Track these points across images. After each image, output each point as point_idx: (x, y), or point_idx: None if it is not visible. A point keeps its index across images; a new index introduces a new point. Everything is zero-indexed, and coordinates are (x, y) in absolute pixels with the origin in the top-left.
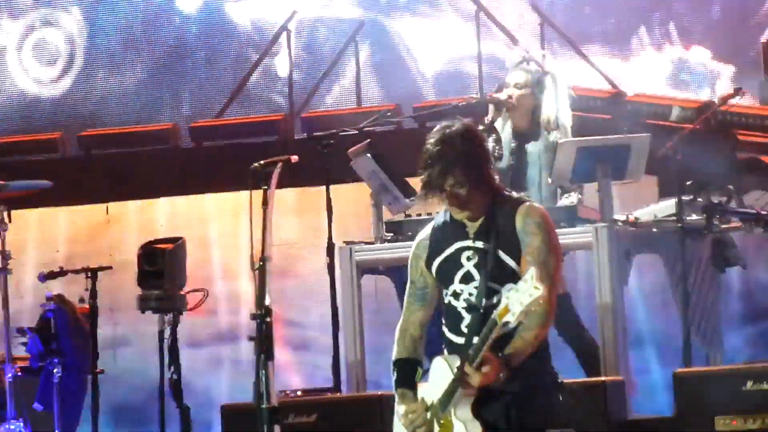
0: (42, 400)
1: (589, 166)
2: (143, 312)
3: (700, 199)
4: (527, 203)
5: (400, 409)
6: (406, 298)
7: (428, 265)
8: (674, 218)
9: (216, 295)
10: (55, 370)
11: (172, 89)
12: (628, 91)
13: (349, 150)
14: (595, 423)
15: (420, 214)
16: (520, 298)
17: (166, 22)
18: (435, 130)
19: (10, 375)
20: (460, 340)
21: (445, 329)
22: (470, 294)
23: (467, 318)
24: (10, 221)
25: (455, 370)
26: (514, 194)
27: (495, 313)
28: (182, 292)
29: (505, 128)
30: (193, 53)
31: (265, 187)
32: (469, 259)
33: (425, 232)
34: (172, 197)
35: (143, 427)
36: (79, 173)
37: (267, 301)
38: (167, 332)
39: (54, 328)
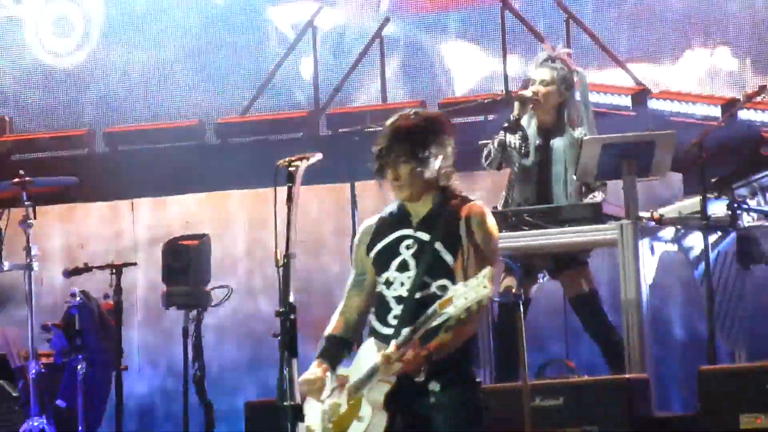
0: (65, 396)
1: (614, 163)
2: (168, 308)
3: (724, 196)
4: (473, 202)
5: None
6: (348, 282)
7: (368, 250)
8: (699, 215)
9: (240, 291)
10: (79, 367)
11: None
12: (653, 89)
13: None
14: (620, 420)
15: None
16: (467, 293)
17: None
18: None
19: (34, 371)
20: (387, 331)
21: (371, 317)
22: (402, 284)
23: (396, 309)
24: (35, 218)
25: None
26: (464, 193)
27: (437, 303)
28: (207, 289)
29: (530, 125)
30: (219, 49)
31: (290, 184)
32: (408, 247)
33: (372, 219)
34: (197, 193)
35: (168, 424)
36: (105, 169)
37: (291, 298)
38: (192, 328)
39: (78, 324)
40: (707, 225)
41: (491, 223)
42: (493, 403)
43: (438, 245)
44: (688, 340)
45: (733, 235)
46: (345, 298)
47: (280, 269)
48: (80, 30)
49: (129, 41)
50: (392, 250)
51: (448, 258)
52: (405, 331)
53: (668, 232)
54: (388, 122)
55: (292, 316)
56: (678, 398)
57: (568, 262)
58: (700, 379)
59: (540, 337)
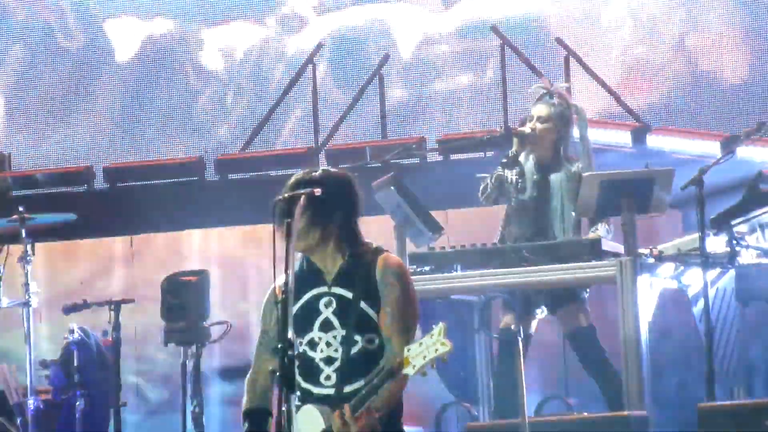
0: None
1: (613, 199)
2: (166, 344)
3: (723, 233)
4: (386, 253)
5: None
6: (257, 347)
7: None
8: (698, 252)
9: (241, 327)
10: (77, 403)
11: (199, 121)
12: (651, 124)
13: (374, 183)
14: None
15: (444, 247)
16: (424, 352)
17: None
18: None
19: (32, 408)
20: (323, 391)
21: (299, 379)
22: (329, 344)
23: (327, 369)
24: (33, 254)
25: (328, 419)
26: (373, 244)
27: (391, 365)
28: (206, 325)
29: (528, 160)
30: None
31: (289, 219)
32: (326, 305)
33: (280, 280)
34: (196, 229)
35: None
36: (104, 205)
37: (289, 334)
38: (190, 364)
39: (77, 360)
40: (706, 262)
41: (406, 271)
42: None
43: (362, 304)
44: (687, 377)
45: (732, 271)
46: (255, 361)
47: (278, 305)
48: None
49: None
50: (311, 310)
51: (372, 314)
52: (347, 388)
53: (667, 268)
54: (293, 177)
55: (290, 352)
56: None
57: (565, 298)
58: (699, 416)
59: (539, 373)
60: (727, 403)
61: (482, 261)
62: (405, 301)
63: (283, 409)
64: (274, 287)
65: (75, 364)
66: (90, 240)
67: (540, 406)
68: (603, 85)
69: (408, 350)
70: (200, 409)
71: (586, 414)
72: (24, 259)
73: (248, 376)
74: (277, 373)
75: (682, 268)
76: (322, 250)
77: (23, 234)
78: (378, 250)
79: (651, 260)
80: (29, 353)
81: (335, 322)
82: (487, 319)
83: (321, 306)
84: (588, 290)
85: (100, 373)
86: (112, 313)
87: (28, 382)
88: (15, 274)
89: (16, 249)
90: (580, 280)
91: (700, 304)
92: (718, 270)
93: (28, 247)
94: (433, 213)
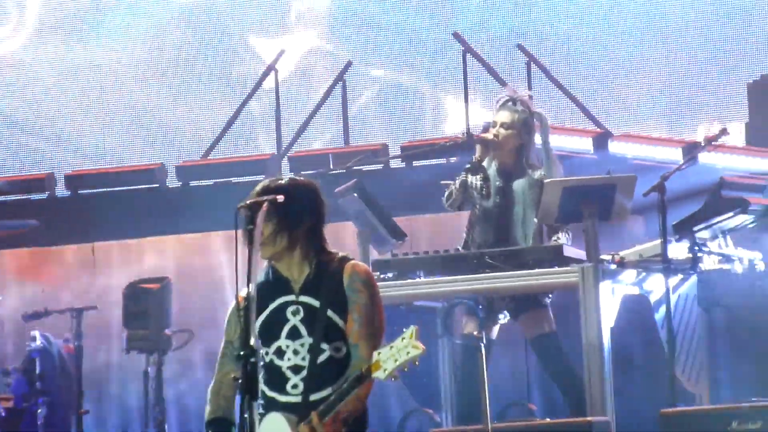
0: None
1: (575, 205)
2: (128, 352)
3: (685, 239)
4: (352, 261)
5: None
6: (219, 357)
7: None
8: (660, 258)
9: (202, 335)
10: (39, 410)
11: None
12: (614, 131)
13: (337, 189)
14: None
15: (407, 253)
16: (396, 355)
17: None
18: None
19: None
20: (290, 399)
21: (264, 387)
22: (296, 352)
23: (294, 378)
24: None
25: (294, 427)
26: (339, 253)
27: (362, 369)
28: (168, 332)
29: (491, 167)
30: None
31: (251, 226)
32: (294, 314)
33: (245, 291)
34: (158, 236)
35: None
36: (66, 213)
37: (252, 341)
38: (152, 372)
39: (39, 368)
40: (668, 268)
41: (372, 278)
42: None
43: (330, 312)
44: (650, 383)
45: (694, 277)
46: (218, 371)
47: (241, 312)
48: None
49: (91, 83)
50: (278, 318)
51: (339, 322)
52: (313, 396)
53: (629, 274)
54: (259, 185)
55: (252, 359)
56: None
57: (528, 304)
58: (661, 421)
59: (501, 379)
60: (690, 408)
61: (445, 267)
62: (372, 307)
63: (245, 416)
64: (238, 297)
65: (37, 371)
66: (51, 247)
67: (503, 411)
68: (564, 91)
69: (378, 354)
70: (162, 416)
71: (548, 420)
72: None
73: (211, 385)
74: (240, 381)
75: (644, 274)
76: (289, 257)
77: None
78: (344, 259)
79: (613, 266)
80: None
81: (302, 330)
82: (450, 325)
83: (288, 314)
84: (551, 296)
85: (62, 380)
86: (74, 320)
87: None
88: None
89: None
90: (542, 286)
91: (662, 310)
92: (680, 276)
93: None
94: (396, 219)
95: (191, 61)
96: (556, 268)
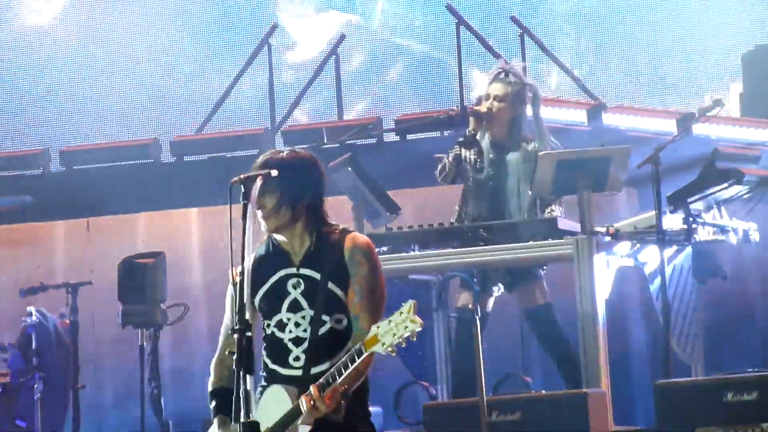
0: (23, 415)
1: (569, 178)
2: (124, 327)
3: (680, 211)
4: (353, 233)
5: None
6: (222, 330)
7: (253, 295)
8: (654, 229)
9: (196, 309)
10: (36, 386)
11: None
12: (608, 103)
13: (330, 163)
14: None
15: (401, 227)
16: (395, 329)
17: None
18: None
19: None
20: (291, 372)
21: (267, 360)
22: (297, 324)
23: (295, 350)
24: None
25: (295, 399)
26: (340, 225)
27: (360, 343)
28: (163, 307)
29: (484, 139)
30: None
31: (245, 201)
32: (294, 286)
33: (245, 264)
34: (153, 211)
35: None
36: (60, 188)
37: (247, 316)
38: (148, 347)
39: (35, 343)
40: (663, 239)
41: (374, 250)
42: (450, 419)
43: (330, 284)
44: (645, 354)
45: (688, 249)
46: (222, 345)
47: (235, 286)
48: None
49: (84, 58)
50: (279, 291)
51: (340, 293)
52: (314, 369)
53: (624, 246)
54: (260, 157)
55: (248, 334)
56: (635, 412)
57: (522, 276)
58: (656, 392)
59: (496, 351)
60: (685, 379)
61: (440, 240)
62: (373, 279)
63: (240, 390)
64: (233, 271)
65: (33, 347)
66: (46, 223)
67: (498, 384)
68: (558, 63)
69: (377, 327)
70: (158, 391)
71: (544, 392)
72: None
73: (215, 357)
74: (235, 355)
75: (638, 245)
76: (291, 230)
77: None
78: (345, 230)
79: (607, 238)
80: None
81: (303, 302)
82: (444, 298)
83: (289, 287)
84: (545, 268)
85: (58, 355)
86: (69, 295)
87: None
88: None
89: None
90: (536, 259)
91: (657, 281)
92: (674, 247)
93: None
94: (390, 193)
95: (185, 35)
96: (551, 241)
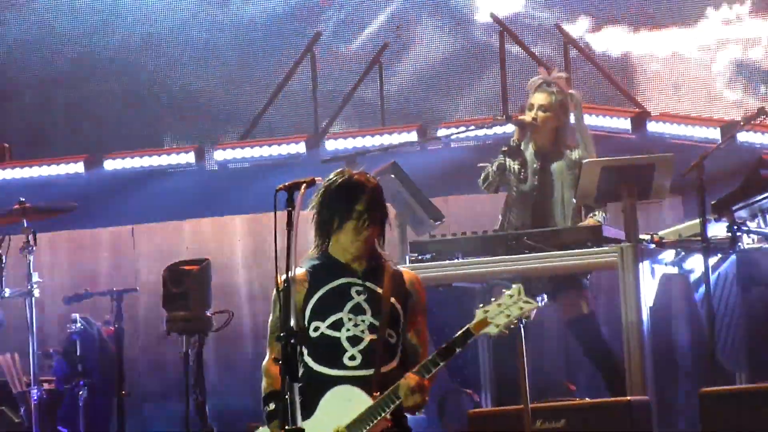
0: (67, 422)
1: (613, 185)
2: (169, 334)
3: (724, 219)
4: (402, 265)
5: None
6: (272, 333)
7: (308, 297)
8: (699, 237)
9: (242, 316)
10: (80, 392)
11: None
12: (652, 111)
13: (373, 171)
14: None
15: (444, 234)
16: (507, 310)
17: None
18: (342, 173)
19: (36, 397)
20: (343, 373)
21: (312, 363)
22: (357, 325)
23: (351, 349)
24: (35, 244)
25: (369, 397)
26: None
27: (468, 327)
28: (208, 314)
29: (528, 149)
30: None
31: (290, 208)
32: (358, 293)
33: (299, 271)
34: (197, 219)
35: None
36: (105, 194)
37: (292, 323)
38: (192, 353)
39: (79, 350)
40: (707, 247)
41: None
42: (494, 426)
43: (393, 299)
44: (690, 362)
45: (733, 257)
46: (271, 348)
47: (281, 294)
48: None
49: (130, 64)
50: (342, 294)
51: (400, 310)
52: (368, 372)
53: (668, 254)
54: (358, 178)
55: (292, 341)
56: (679, 420)
57: (566, 284)
58: (701, 401)
59: (540, 359)
60: (729, 387)
61: (483, 248)
62: (425, 310)
63: (287, 397)
64: (278, 279)
65: (78, 353)
66: (91, 229)
67: (542, 392)
68: (602, 71)
69: (486, 312)
70: (202, 397)
71: (588, 400)
72: (26, 248)
73: (265, 362)
74: (280, 362)
75: (683, 254)
76: (364, 248)
77: (25, 224)
78: (391, 261)
79: (652, 246)
80: (32, 343)
81: (366, 308)
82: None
83: (353, 293)
84: (589, 277)
85: (102, 362)
86: (114, 302)
87: (32, 372)
88: (17, 265)
89: (17, 239)
90: (581, 267)
91: (702, 289)
92: (719, 255)
93: (30, 236)
94: (434, 200)
95: (229, 42)
96: (595, 249)
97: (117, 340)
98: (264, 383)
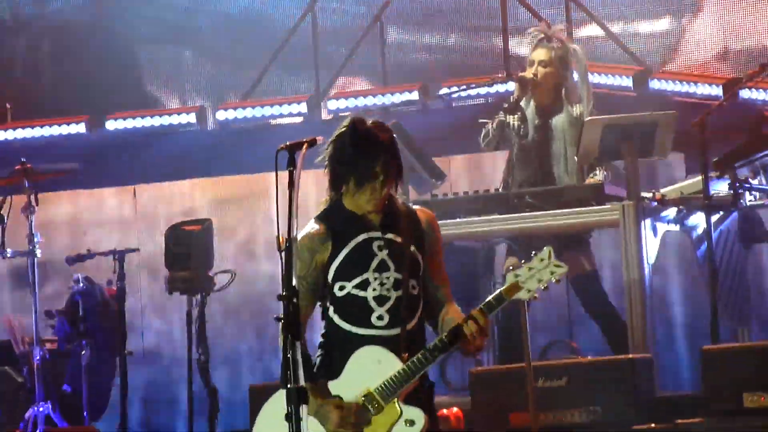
0: (70, 382)
1: (615, 143)
2: (171, 293)
3: (726, 176)
4: (418, 206)
5: (316, 403)
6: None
7: (331, 258)
8: (701, 195)
9: (242, 276)
10: (83, 352)
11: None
12: (653, 68)
13: None
14: (624, 400)
15: (446, 194)
16: (538, 274)
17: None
18: (350, 121)
19: (38, 357)
20: (372, 332)
21: (342, 323)
22: (382, 284)
23: (378, 309)
24: (37, 204)
25: (399, 358)
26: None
27: (499, 292)
28: (210, 274)
29: (529, 105)
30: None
31: (291, 168)
32: (380, 248)
33: (315, 227)
34: (199, 178)
35: (171, 409)
36: (107, 155)
37: (293, 282)
38: (195, 313)
39: (82, 310)
40: (709, 204)
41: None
42: (497, 384)
43: (413, 248)
44: (691, 320)
45: (735, 214)
46: None
47: (282, 253)
48: None
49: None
50: (364, 252)
51: (420, 259)
52: (396, 331)
53: (670, 212)
54: (375, 132)
55: (294, 300)
56: (681, 378)
57: (568, 243)
58: (703, 358)
59: (542, 317)
60: (732, 345)
61: (485, 207)
62: (442, 250)
63: (288, 356)
64: (308, 233)
65: (80, 313)
66: (93, 189)
67: (544, 350)
68: (604, 27)
69: (516, 276)
70: (205, 357)
71: (590, 357)
72: (27, 209)
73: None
74: (281, 321)
75: (685, 211)
76: (382, 203)
77: (26, 184)
78: (406, 203)
79: (654, 204)
80: (34, 303)
81: (390, 264)
82: (490, 265)
83: (375, 249)
84: (591, 234)
85: (105, 322)
86: (116, 262)
87: (34, 332)
88: (19, 225)
89: (19, 199)
90: (583, 225)
91: (704, 247)
92: (721, 213)
93: (31, 197)
94: (436, 160)
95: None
96: (597, 207)
97: (119, 299)
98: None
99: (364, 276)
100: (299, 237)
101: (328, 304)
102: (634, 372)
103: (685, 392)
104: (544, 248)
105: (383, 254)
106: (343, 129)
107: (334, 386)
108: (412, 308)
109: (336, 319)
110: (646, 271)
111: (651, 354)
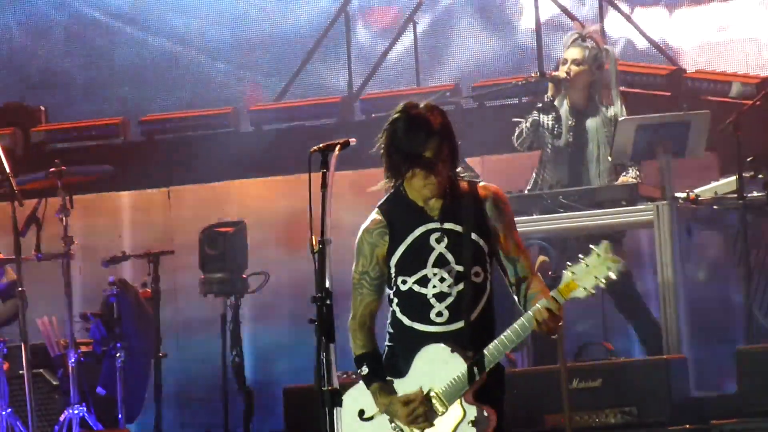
0: (105, 384)
1: (649, 143)
2: (205, 295)
3: (761, 176)
4: (482, 182)
5: (385, 402)
6: (356, 289)
7: (390, 252)
8: (735, 195)
9: (277, 278)
10: (117, 355)
11: (232, 71)
12: (687, 68)
13: None
14: (658, 401)
15: None
16: (594, 270)
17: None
18: (402, 106)
19: (73, 360)
20: (431, 329)
21: (403, 318)
22: (442, 279)
23: (438, 306)
24: (71, 207)
25: (464, 359)
26: (466, 175)
27: (555, 291)
28: (244, 276)
29: (563, 105)
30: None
31: (324, 169)
32: (438, 241)
33: (375, 219)
34: (232, 180)
35: (207, 411)
36: (141, 158)
37: (327, 284)
38: (229, 315)
39: (117, 313)
40: (744, 204)
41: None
42: (532, 385)
43: (474, 235)
44: (726, 320)
45: None
46: (359, 305)
47: (316, 255)
48: None
49: (163, 26)
50: (422, 246)
51: (482, 244)
52: (456, 326)
53: (705, 212)
54: (425, 116)
55: (328, 302)
56: (716, 378)
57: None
58: (738, 358)
59: (577, 318)
60: (766, 345)
61: (519, 207)
62: (514, 225)
63: (322, 358)
64: (367, 227)
65: (115, 316)
66: (127, 192)
67: (579, 351)
68: (637, 27)
69: (573, 274)
70: (240, 359)
71: (624, 359)
72: (62, 211)
73: (351, 321)
74: (315, 323)
75: (719, 211)
76: (439, 188)
77: (60, 187)
78: (472, 181)
79: (688, 204)
80: (69, 306)
81: (449, 257)
82: None
83: (432, 242)
84: (624, 235)
85: (139, 324)
86: (151, 265)
87: (69, 335)
88: (54, 227)
89: (54, 202)
90: (617, 225)
91: (738, 247)
92: (756, 213)
93: (66, 200)
94: (468, 160)
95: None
96: (631, 207)
97: (154, 302)
98: (353, 345)
99: (423, 272)
100: (360, 231)
101: (392, 295)
102: (669, 373)
103: (720, 393)
104: (601, 243)
105: (441, 247)
106: (396, 115)
107: (402, 385)
108: (475, 298)
109: (398, 312)
110: (680, 271)
111: (685, 354)
